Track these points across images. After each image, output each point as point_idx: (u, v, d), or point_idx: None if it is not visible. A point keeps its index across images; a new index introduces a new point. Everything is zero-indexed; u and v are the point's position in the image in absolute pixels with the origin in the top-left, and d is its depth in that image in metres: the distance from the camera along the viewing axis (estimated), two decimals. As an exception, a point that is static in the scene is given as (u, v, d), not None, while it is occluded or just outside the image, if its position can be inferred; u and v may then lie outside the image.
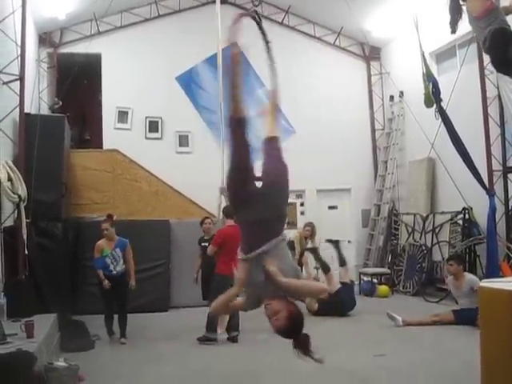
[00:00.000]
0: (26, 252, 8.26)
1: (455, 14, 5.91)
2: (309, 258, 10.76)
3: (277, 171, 3.72)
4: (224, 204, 8.52)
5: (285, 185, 3.73)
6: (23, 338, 6.05)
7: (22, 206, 8.27)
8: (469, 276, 8.66)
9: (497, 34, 5.26)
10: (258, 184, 3.71)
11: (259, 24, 4.03)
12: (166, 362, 6.90)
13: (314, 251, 10.44)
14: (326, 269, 9.88)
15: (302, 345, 3.32)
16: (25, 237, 8.24)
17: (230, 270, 8.10)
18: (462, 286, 8.52)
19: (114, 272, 8.12)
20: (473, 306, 7.68)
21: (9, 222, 8.46)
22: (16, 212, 8.44)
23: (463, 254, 10.58)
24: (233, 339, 8.01)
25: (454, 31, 6.04)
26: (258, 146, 3.72)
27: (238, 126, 3.58)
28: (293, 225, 13.19)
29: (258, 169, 3.60)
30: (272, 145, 3.86)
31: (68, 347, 7.36)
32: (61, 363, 5.93)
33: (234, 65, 3.60)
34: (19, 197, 8.18)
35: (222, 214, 8.68)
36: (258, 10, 4.18)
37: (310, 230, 10.81)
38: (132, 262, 8.37)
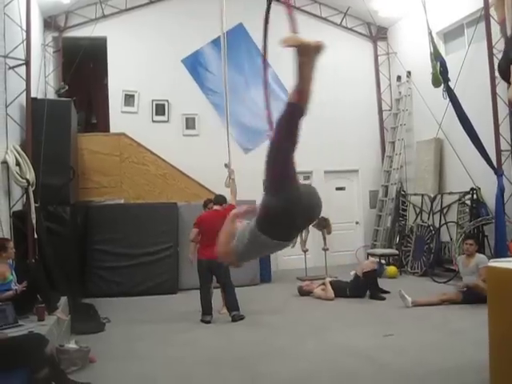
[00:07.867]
0: (36, 236, 8.31)
1: None
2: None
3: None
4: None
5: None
6: (34, 321, 6.12)
7: (31, 190, 8.31)
8: (479, 255, 8.82)
9: (501, 63, 5.52)
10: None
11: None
12: (175, 345, 6.95)
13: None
14: None
15: None
16: (34, 221, 8.29)
17: (202, 255, 8.13)
18: (470, 263, 8.71)
19: None
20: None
21: (18, 207, 8.53)
22: (25, 196, 8.51)
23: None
24: (233, 318, 8.09)
25: None
26: None
27: (299, 115, 3.26)
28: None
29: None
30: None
31: (79, 330, 7.44)
32: (72, 345, 6.01)
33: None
34: (27, 181, 8.21)
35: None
36: None
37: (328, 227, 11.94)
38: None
